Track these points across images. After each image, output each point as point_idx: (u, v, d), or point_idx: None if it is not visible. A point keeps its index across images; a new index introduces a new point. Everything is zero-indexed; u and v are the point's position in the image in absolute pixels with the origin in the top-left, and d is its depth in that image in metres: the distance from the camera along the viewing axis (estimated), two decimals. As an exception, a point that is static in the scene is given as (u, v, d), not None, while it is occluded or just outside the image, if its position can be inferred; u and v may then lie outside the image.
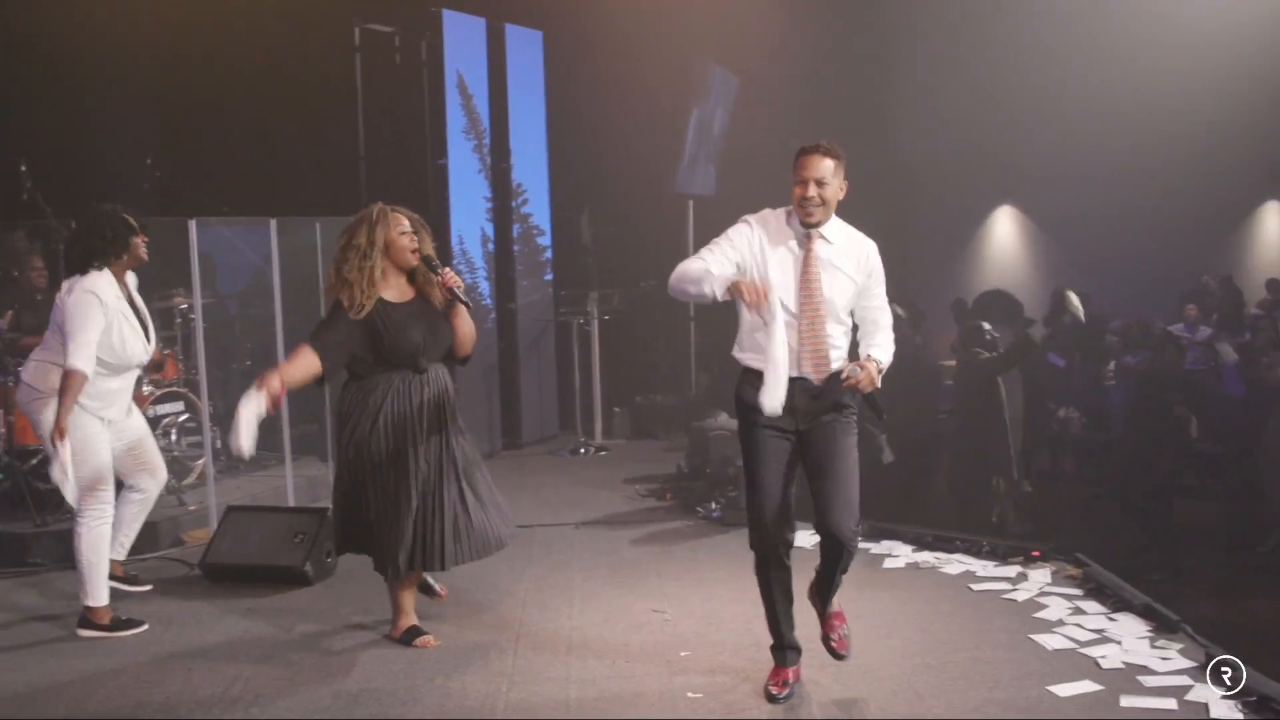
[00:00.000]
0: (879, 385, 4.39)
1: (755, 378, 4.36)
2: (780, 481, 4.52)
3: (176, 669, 5.13)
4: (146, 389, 7.75)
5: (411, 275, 5.20)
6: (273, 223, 7.64)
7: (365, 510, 5.13)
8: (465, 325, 5.25)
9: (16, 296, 7.90)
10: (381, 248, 5.08)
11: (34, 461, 7.06)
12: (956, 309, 11.22)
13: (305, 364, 4.90)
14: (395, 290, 5.16)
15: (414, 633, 5.35)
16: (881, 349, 4.52)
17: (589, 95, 10.90)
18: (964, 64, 12.93)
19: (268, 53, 9.67)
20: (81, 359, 5.36)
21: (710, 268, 4.35)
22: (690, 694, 4.69)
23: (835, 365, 4.46)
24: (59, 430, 5.29)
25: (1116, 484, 7.93)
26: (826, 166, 4.41)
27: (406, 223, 5.16)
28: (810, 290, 4.43)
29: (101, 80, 10.06)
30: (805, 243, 4.46)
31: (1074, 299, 7.89)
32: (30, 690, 4.96)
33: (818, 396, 4.46)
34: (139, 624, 5.67)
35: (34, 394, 5.65)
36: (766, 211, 4.58)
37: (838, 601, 4.79)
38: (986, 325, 8.18)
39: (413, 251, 5.14)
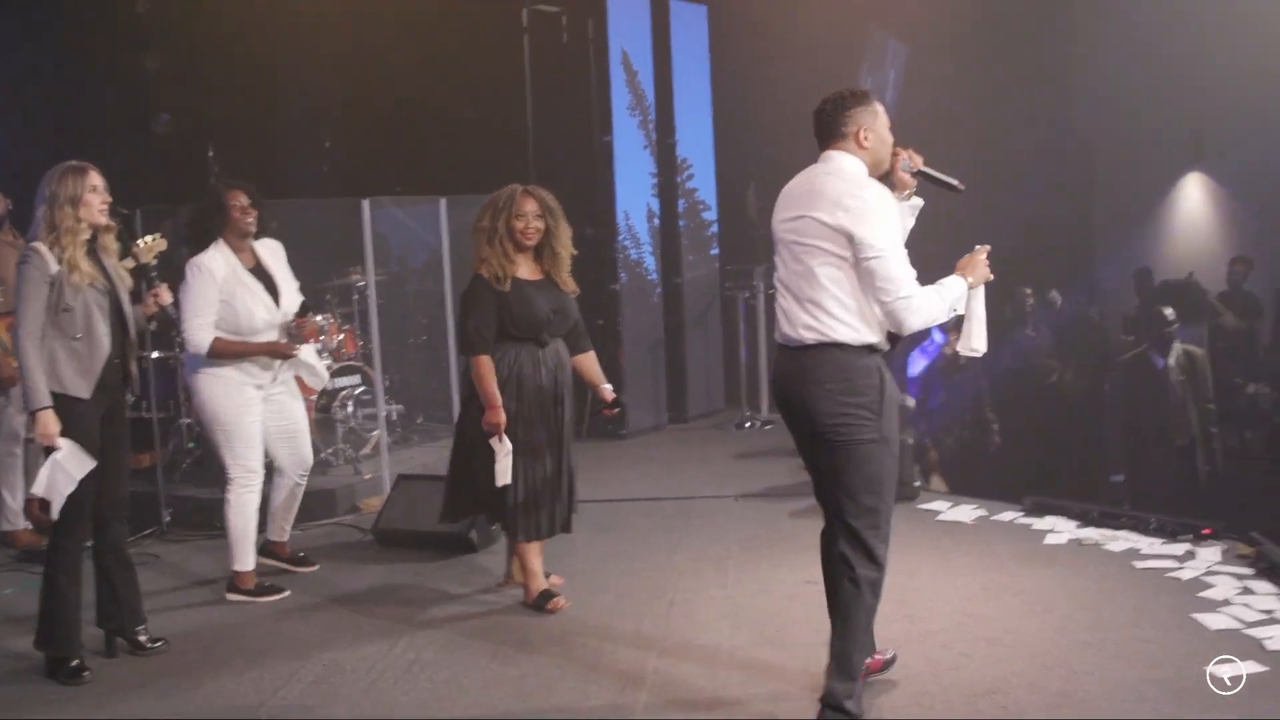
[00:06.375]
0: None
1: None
2: None
3: (345, 629, 5.39)
4: (326, 362, 8.07)
5: (537, 253, 5.49)
6: (443, 201, 7.89)
7: (482, 476, 5.39)
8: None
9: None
10: (505, 230, 5.37)
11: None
12: (1140, 279, 10.82)
13: (492, 369, 5.32)
14: (525, 268, 5.47)
15: (546, 596, 5.54)
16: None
17: (755, 68, 10.83)
18: (1151, 28, 12.36)
19: (439, 37, 9.93)
20: (197, 337, 5.64)
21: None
22: (838, 664, 4.70)
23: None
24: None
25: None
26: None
27: (529, 206, 5.39)
28: None
29: (283, 68, 10.52)
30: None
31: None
32: (213, 642, 5.29)
33: None
34: (281, 590, 5.92)
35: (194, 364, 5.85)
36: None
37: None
38: (1169, 312, 7.86)
39: (524, 234, 5.38)
